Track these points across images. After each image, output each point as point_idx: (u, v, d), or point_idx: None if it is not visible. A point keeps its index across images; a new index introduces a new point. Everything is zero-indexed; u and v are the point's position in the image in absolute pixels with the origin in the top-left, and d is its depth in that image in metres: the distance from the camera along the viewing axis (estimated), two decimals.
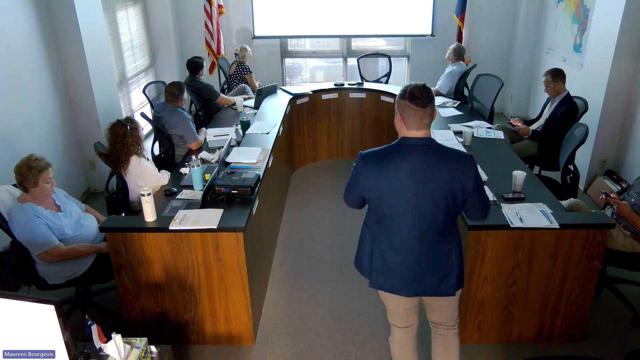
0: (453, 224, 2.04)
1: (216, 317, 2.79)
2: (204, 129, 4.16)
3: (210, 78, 6.55)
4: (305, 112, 5.20)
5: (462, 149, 3.40)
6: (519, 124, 4.42)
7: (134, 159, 3.20)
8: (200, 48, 6.52)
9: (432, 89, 5.21)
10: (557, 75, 4.10)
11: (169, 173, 3.38)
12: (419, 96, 1.87)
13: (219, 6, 6.46)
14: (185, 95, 4.07)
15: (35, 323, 1.77)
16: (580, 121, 3.84)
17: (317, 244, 3.93)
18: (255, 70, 6.11)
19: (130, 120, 3.26)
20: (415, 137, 1.92)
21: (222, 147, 3.52)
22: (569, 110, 4.02)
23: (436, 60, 6.51)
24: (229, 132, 4.03)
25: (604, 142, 4.59)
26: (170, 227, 2.55)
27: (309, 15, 6.86)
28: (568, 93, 4.12)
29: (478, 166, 2.02)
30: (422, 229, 1.97)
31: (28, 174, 2.61)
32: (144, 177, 3.21)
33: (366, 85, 5.44)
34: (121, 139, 3.16)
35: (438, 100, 4.97)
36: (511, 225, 2.50)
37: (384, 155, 1.94)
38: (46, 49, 4.19)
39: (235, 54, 5.83)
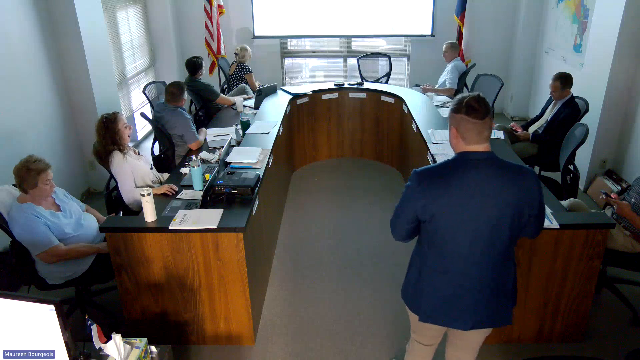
0: (514, 245, 1.88)
1: (216, 317, 2.79)
2: (204, 129, 4.16)
3: (210, 78, 6.55)
4: (305, 112, 5.20)
5: None
6: (519, 129, 4.42)
7: (117, 156, 3.16)
8: (200, 48, 6.52)
9: (447, 88, 5.22)
10: (567, 84, 4.08)
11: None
12: (476, 107, 1.72)
13: (219, 6, 6.46)
14: (186, 96, 4.07)
15: (35, 323, 1.77)
16: (581, 121, 3.85)
17: (317, 244, 3.93)
18: (255, 70, 6.10)
19: (108, 114, 3.19)
20: (476, 152, 1.77)
21: (222, 147, 3.52)
22: (571, 114, 4.02)
23: (436, 60, 6.50)
24: (229, 132, 4.03)
25: (604, 142, 4.59)
26: (170, 227, 2.55)
27: (309, 15, 6.86)
28: (572, 96, 4.12)
29: None
30: (483, 252, 1.80)
31: (27, 176, 2.60)
32: (123, 176, 3.18)
33: (366, 85, 5.43)
34: (99, 132, 3.15)
35: (438, 100, 4.98)
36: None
37: (442, 172, 1.79)
38: (46, 49, 4.19)
39: (235, 53, 5.83)
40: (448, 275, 1.87)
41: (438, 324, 1.96)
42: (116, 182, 3.24)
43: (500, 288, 1.89)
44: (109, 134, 3.13)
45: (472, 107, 1.73)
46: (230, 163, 3.34)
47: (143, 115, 4.35)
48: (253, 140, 3.85)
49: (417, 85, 5.50)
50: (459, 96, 1.80)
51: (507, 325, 1.97)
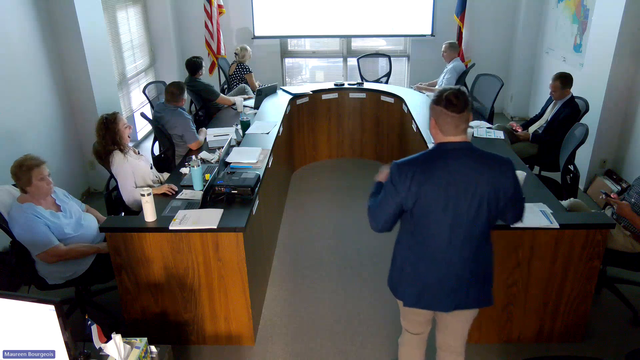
0: (490, 230, 1.98)
1: (216, 317, 2.79)
2: (204, 129, 4.16)
3: (210, 78, 6.55)
4: (305, 112, 5.20)
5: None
6: (519, 129, 4.42)
7: (117, 156, 3.16)
8: (200, 48, 6.52)
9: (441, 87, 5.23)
10: (567, 84, 4.08)
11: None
12: (455, 102, 1.81)
13: (219, 6, 6.46)
14: (186, 96, 4.07)
15: (35, 323, 1.77)
16: (581, 121, 3.85)
17: (317, 244, 3.93)
18: (255, 70, 6.10)
19: (107, 114, 3.19)
20: (452, 142, 1.87)
21: (222, 147, 3.52)
22: (571, 114, 4.02)
23: (436, 60, 6.50)
24: (229, 132, 4.03)
25: (604, 142, 4.59)
26: (170, 227, 2.55)
27: (309, 15, 6.86)
28: (572, 95, 4.12)
29: None
30: (463, 237, 1.89)
31: (20, 172, 2.61)
32: (124, 176, 3.19)
33: (366, 85, 5.43)
34: (99, 133, 3.16)
35: None
36: (511, 225, 2.50)
37: (421, 161, 1.88)
38: (46, 49, 4.19)
39: (235, 53, 5.83)
40: (431, 261, 1.95)
41: (422, 307, 2.03)
42: (116, 182, 3.24)
43: (480, 270, 1.98)
44: (109, 134, 3.13)
45: (450, 101, 1.82)
46: (230, 163, 3.34)
47: (143, 115, 4.35)
48: (253, 140, 3.85)
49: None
50: (440, 89, 1.89)
51: (488, 306, 2.06)
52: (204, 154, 3.61)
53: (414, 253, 1.97)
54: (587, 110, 4.10)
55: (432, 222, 1.89)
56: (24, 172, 2.61)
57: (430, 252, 1.94)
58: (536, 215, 2.57)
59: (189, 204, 2.83)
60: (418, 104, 4.68)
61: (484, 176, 1.84)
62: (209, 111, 5.03)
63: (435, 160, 1.87)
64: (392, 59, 6.32)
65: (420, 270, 1.97)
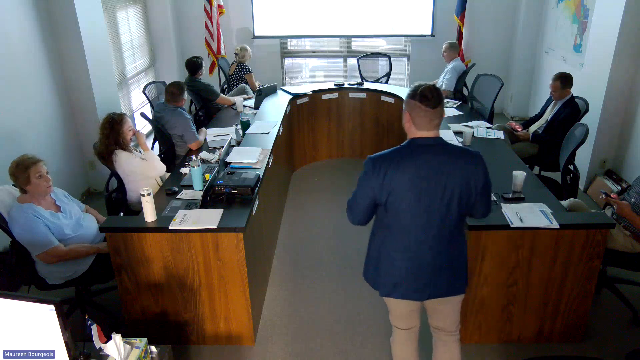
0: (463, 222, 2.04)
1: (216, 317, 2.79)
2: (204, 129, 4.16)
3: (210, 78, 6.55)
4: (305, 112, 5.20)
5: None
6: (519, 128, 4.42)
7: (121, 154, 3.19)
8: (200, 48, 6.52)
9: (442, 89, 5.24)
10: (567, 84, 4.09)
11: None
12: (429, 97, 1.86)
13: (219, 6, 6.46)
14: (186, 96, 4.07)
15: (35, 323, 1.77)
16: (581, 121, 3.85)
17: (317, 244, 3.93)
18: (255, 70, 6.10)
19: (115, 114, 3.23)
20: (425, 137, 1.92)
21: (222, 147, 3.52)
22: (571, 114, 4.02)
23: (436, 60, 6.50)
24: (229, 132, 4.03)
25: (604, 142, 4.59)
26: (170, 227, 2.55)
27: (309, 15, 6.86)
28: (572, 96, 4.12)
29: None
30: (435, 229, 1.95)
31: (17, 171, 2.62)
32: (133, 172, 3.21)
33: (366, 85, 5.44)
34: (103, 132, 3.19)
35: None
36: (511, 225, 2.50)
37: (394, 156, 1.93)
38: (46, 49, 4.19)
39: (235, 53, 5.83)
40: (404, 252, 2.00)
41: (397, 297, 2.09)
42: (118, 181, 3.25)
43: (453, 261, 2.03)
44: (113, 134, 3.16)
45: (425, 96, 1.87)
46: (230, 163, 3.34)
47: (143, 115, 4.36)
48: (253, 140, 3.85)
49: None
50: (416, 83, 1.93)
51: (461, 294, 2.12)
52: (204, 154, 3.61)
53: (388, 245, 2.03)
54: (587, 110, 4.10)
55: (405, 215, 1.94)
56: (21, 170, 2.61)
57: (403, 243, 1.99)
58: (536, 215, 2.57)
59: (189, 204, 2.83)
60: None
61: (456, 170, 1.90)
62: (209, 111, 5.03)
63: (408, 154, 1.92)
64: (392, 59, 6.32)
65: (394, 261, 2.02)
